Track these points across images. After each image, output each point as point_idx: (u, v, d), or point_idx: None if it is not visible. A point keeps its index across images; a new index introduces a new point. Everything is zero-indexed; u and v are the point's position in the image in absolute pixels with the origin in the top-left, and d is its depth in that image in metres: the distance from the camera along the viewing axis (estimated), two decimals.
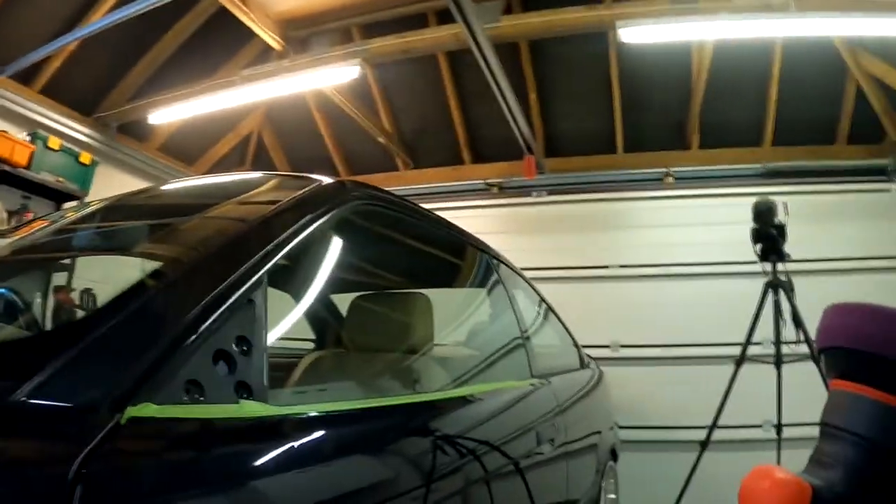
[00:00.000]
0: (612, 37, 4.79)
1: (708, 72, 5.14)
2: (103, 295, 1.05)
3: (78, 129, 5.11)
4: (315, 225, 1.25)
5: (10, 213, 4.54)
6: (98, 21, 4.12)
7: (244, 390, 0.90)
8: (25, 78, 4.67)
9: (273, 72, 4.71)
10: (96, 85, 5.17)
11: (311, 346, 2.15)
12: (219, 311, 0.90)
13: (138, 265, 1.15)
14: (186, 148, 6.07)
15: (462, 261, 2.40)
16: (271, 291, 1.04)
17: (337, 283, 1.71)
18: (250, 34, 5.05)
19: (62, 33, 4.32)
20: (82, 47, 4.67)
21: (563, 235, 5.51)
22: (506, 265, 2.66)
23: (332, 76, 4.63)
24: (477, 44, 3.95)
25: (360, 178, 5.70)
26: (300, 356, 1.47)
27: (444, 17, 4.37)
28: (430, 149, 6.07)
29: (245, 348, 0.92)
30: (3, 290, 1.36)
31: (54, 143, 4.77)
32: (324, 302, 2.01)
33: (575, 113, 5.77)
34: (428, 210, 1.97)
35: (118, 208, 1.69)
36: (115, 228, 1.58)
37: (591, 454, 2.93)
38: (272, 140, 6.53)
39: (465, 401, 1.66)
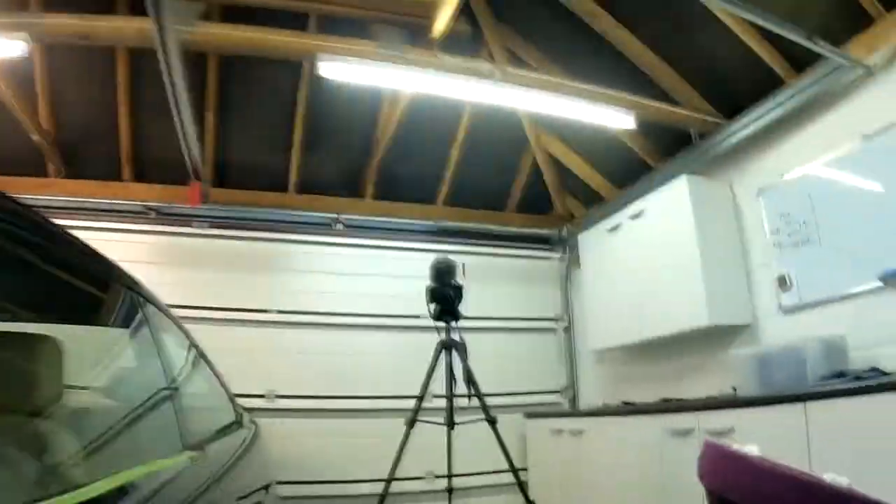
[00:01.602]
0: (307, 69, 5.11)
1: (396, 123, 5.55)
2: None
3: None
4: None
5: None
6: None
7: None
8: None
9: None
10: None
11: None
12: None
13: None
14: None
15: (98, 293, 2.03)
16: None
17: None
18: None
19: None
20: None
21: (224, 273, 5.61)
22: (156, 302, 2.40)
23: None
24: (164, 45, 3.82)
25: (6, 181, 5.44)
26: None
27: (137, 8, 4.18)
28: (88, 157, 5.82)
29: None
30: None
31: None
32: None
33: (253, 144, 5.91)
34: (61, 227, 1.70)
35: None
36: None
37: None
38: None
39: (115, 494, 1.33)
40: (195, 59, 5.01)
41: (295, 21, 4.90)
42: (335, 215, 5.98)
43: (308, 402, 5.42)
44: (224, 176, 5.93)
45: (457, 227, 6.15)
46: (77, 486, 1.26)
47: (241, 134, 5.86)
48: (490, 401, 4.61)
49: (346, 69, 4.34)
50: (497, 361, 5.67)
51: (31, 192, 5.53)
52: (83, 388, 1.94)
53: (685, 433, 3.72)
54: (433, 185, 6.27)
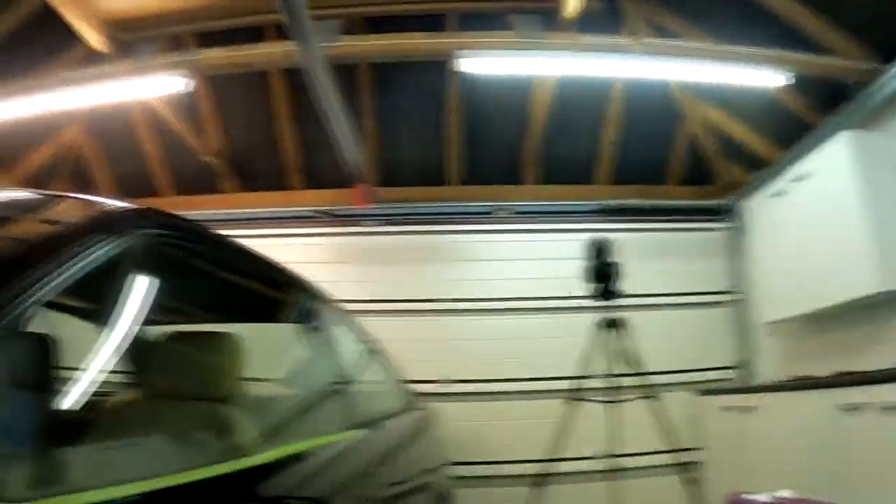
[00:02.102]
0: (453, 66, 5.11)
1: (548, 108, 5.79)
2: None
3: None
4: (88, 258, 1.18)
5: None
6: None
7: None
8: None
9: (94, 76, 5.02)
10: None
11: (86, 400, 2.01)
12: None
13: None
14: (3, 152, 6.34)
15: (275, 296, 2.41)
16: None
17: (125, 323, 1.51)
18: (75, 35, 5.27)
19: None
20: None
21: (395, 267, 6.09)
22: (326, 301, 2.70)
23: (156, 86, 4.93)
24: (311, 63, 4.25)
25: (184, 199, 6.15)
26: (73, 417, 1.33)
27: (282, 32, 4.59)
28: (259, 171, 6.54)
29: None
30: None
31: None
32: (110, 346, 1.69)
33: (412, 142, 6.35)
34: (234, 240, 2.01)
35: None
36: None
37: (421, 502, 3.04)
38: (95, 151, 6.86)
39: (275, 465, 1.64)
40: (345, 70, 5.39)
41: (434, 22, 5.30)
42: (496, 203, 6.28)
43: (478, 385, 5.77)
44: (389, 175, 6.37)
45: (616, 205, 6.26)
46: (252, 456, 1.60)
47: (401, 135, 6.32)
48: (657, 378, 4.77)
49: (486, 63, 4.61)
50: (664, 339, 5.69)
51: (212, 208, 6.29)
52: (263, 377, 2.37)
53: (859, 408, 3.56)
54: (590, 164, 6.40)
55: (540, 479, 4.87)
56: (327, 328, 2.58)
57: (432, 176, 6.45)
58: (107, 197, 1.53)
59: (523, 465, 5.34)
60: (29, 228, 1.30)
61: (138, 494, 1.07)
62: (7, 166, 6.53)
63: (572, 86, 5.58)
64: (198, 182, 6.69)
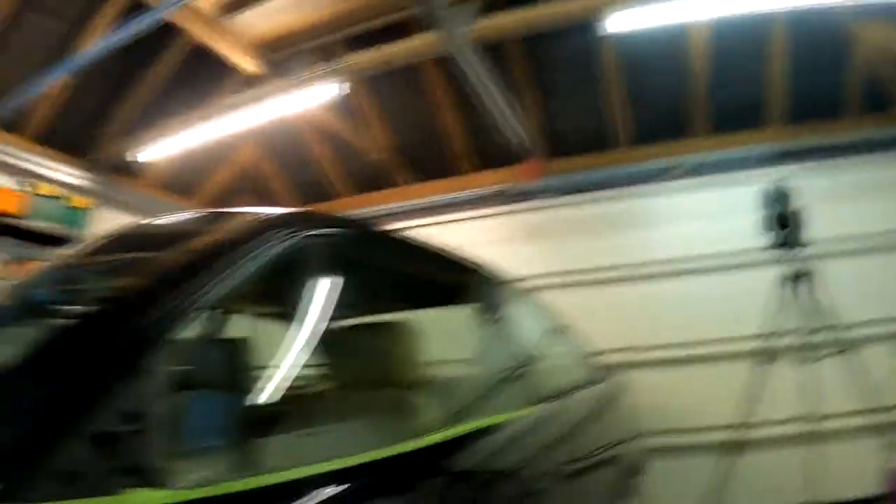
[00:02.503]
0: (602, 26, 4.94)
1: (706, 55, 5.59)
2: None
3: (70, 173, 5.95)
4: (249, 266, 1.33)
5: (6, 263, 5.25)
6: (66, 65, 4.70)
7: (133, 475, 0.90)
8: (13, 126, 5.43)
9: (256, 97, 5.33)
10: (85, 128, 6.01)
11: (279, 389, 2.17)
12: (100, 386, 0.93)
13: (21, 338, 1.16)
14: (183, 182, 6.94)
15: (448, 281, 2.50)
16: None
17: (303, 320, 1.66)
18: (230, 64, 5.75)
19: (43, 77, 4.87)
20: (67, 91, 5.40)
21: (572, 238, 6.03)
22: (501, 280, 2.77)
23: (312, 97, 5.15)
24: (458, 48, 4.36)
25: (361, 198, 6.52)
26: (265, 404, 1.49)
27: (426, 24, 4.70)
28: (429, 161, 6.69)
29: (136, 425, 0.93)
30: None
31: (46, 189, 5.59)
32: (291, 341, 1.86)
33: (574, 110, 6.29)
34: (400, 233, 2.14)
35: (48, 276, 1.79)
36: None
37: (610, 474, 3.08)
38: (270, 167, 7.41)
39: (463, 439, 1.73)
40: (495, 49, 5.41)
41: None
42: (669, 161, 6.14)
43: (663, 352, 5.57)
44: (556, 147, 6.36)
45: (793, 146, 5.93)
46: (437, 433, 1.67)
47: (562, 104, 6.29)
48: (854, 332, 4.51)
49: (632, 18, 4.39)
50: (859, 287, 5.14)
51: (388, 202, 6.59)
52: (445, 360, 2.53)
53: None
54: (759, 108, 6.08)
55: (732, 447, 4.69)
56: (505, 306, 2.64)
57: (599, 141, 6.40)
58: (284, 206, 1.70)
59: (714, 433, 5.08)
60: (201, 242, 1.42)
61: (335, 471, 1.23)
62: (191, 193, 7.09)
63: (729, 28, 5.33)
64: (371, 179, 7.00)
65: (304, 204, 7.35)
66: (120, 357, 1.00)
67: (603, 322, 5.09)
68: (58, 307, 1.35)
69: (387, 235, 2.07)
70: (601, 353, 4.26)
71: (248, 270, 1.31)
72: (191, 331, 1.13)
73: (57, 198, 5.75)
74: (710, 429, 5.13)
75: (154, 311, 1.10)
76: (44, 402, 0.89)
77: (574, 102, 6.33)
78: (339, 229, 1.78)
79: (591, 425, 2.92)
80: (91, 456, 0.88)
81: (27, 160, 5.65)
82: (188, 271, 1.25)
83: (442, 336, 2.48)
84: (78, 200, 5.91)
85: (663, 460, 4.94)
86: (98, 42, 4.49)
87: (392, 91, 6.42)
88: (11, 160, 5.56)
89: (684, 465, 5.17)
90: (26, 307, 1.56)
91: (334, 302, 1.83)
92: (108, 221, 5.91)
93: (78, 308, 1.21)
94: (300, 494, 1.11)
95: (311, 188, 7.25)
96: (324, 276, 1.68)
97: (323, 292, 1.65)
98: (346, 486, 1.22)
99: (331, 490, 1.17)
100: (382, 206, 6.66)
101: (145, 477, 0.92)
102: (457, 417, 1.94)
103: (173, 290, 1.16)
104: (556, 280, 5.66)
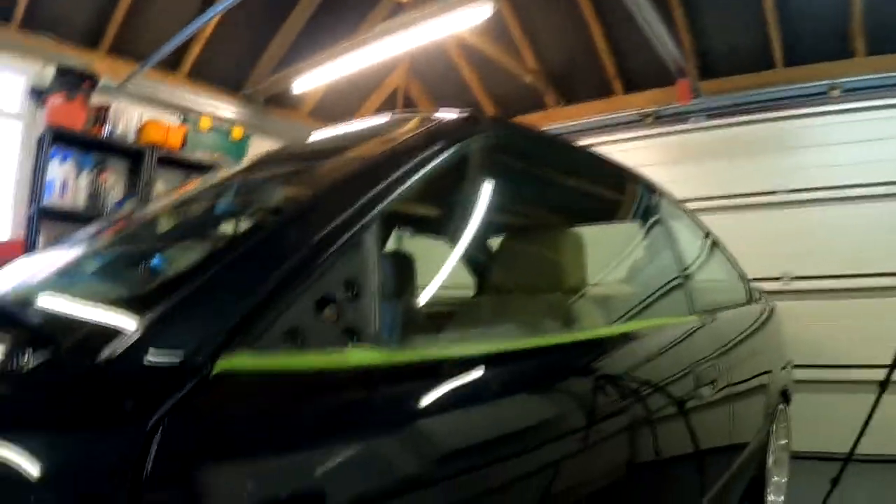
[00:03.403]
0: None
1: None
2: (207, 247, 1.29)
3: (227, 107, 6.47)
4: (436, 161, 1.40)
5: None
6: (223, 2, 4.92)
7: (352, 337, 1.05)
8: (171, 65, 5.95)
9: (405, 23, 5.46)
10: (238, 63, 6.45)
11: (447, 290, 2.23)
12: (324, 255, 1.07)
13: (249, 216, 1.40)
14: (335, 110, 7.26)
15: (613, 193, 2.58)
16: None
17: (471, 223, 1.77)
18: None
19: (194, 18, 5.30)
20: (219, 29, 5.75)
21: (725, 161, 5.92)
22: (662, 196, 2.79)
23: (461, 20, 5.20)
24: None
25: (513, 119, 6.90)
26: (440, 302, 1.66)
27: None
28: (578, 82, 6.71)
29: (353, 292, 1.07)
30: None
31: (205, 123, 6.09)
32: (459, 243, 1.97)
33: (726, 29, 6.11)
34: (573, 142, 2.21)
35: (246, 168, 2.07)
36: (235, 184, 1.89)
37: (760, 397, 3.09)
38: (419, 92, 7.68)
39: (618, 339, 1.82)
40: None
41: None
42: (828, 82, 5.83)
43: (821, 282, 5.42)
44: (708, 67, 6.25)
45: None
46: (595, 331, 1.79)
47: (714, 23, 6.13)
48: None
49: None
50: None
51: (538, 125, 6.33)
52: (605, 272, 2.53)
53: None
54: None
55: (889, 385, 4.50)
56: (665, 221, 2.68)
57: (753, 62, 6.21)
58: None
59: (869, 371, 4.79)
60: (380, 143, 1.52)
61: (492, 353, 1.34)
62: (344, 121, 7.54)
63: None
64: (520, 102, 7.09)
65: None
66: (339, 233, 1.13)
67: (754, 248, 5.01)
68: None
69: (555, 140, 2.09)
70: (752, 279, 4.23)
71: (421, 174, 1.37)
72: (365, 238, 1.18)
73: (216, 130, 6.26)
74: (862, 366, 5.02)
75: (360, 197, 1.22)
76: (273, 275, 1.01)
77: (727, 21, 6.15)
78: (515, 134, 1.81)
79: (744, 345, 2.92)
80: (315, 318, 1.02)
81: (186, 97, 6.24)
82: (378, 165, 1.36)
83: (604, 245, 2.52)
84: (236, 131, 6.39)
85: (811, 394, 4.89)
86: None
87: (541, 11, 6.45)
88: (172, 98, 6.15)
89: (836, 401, 5.11)
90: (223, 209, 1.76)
91: (501, 207, 1.97)
92: (264, 150, 6.55)
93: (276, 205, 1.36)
94: (484, 366, 1.25)
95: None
96: (492, 181, 1.75)
97: (490, 197, 1.73)
98: (521, 363, 1.39)
99: (506, 367, 1.34)
100: None
101: (361, 339, 1.07)
102: (613, 323, 2.07)
103: (349, 195, 1.24)
104: (707, 204, 5.59)
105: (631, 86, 6.62)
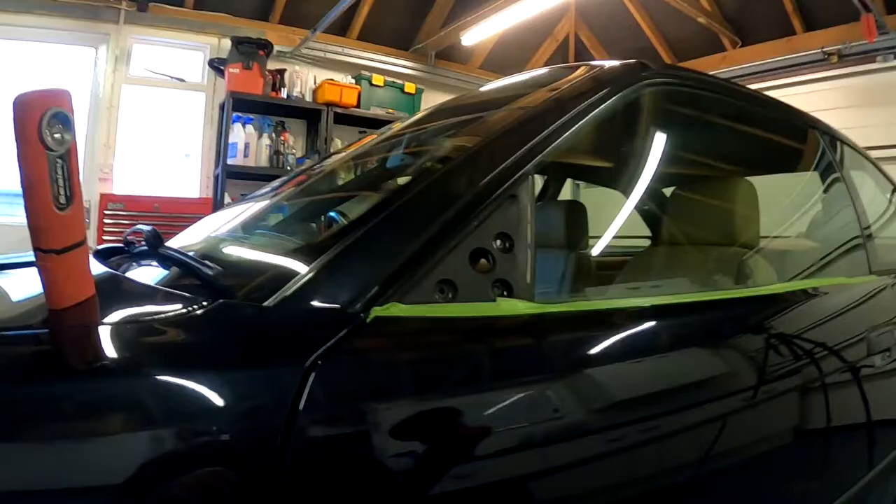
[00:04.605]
0: None
1: None
2: (365, 202, 1.38)
3: (398, 63, 6.87)
4: (600, 109, 1.42)
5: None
6: None
7: (504, 288, 1.11)
8: (341, 29, 6.38)
9: None
10: (406, 21, 6.81)
11: (619, 241, 2.35)
12: (477, 209, 1.13)
13: (410, 170, 1.50)
14: (506, 62, 7.48)
15: (790, 142, 2.50)
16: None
17: (642, 173, 1.83)
18: None
19: None
20: None
21: None
22: (844, 145, 2.67)
23: None
24: None
25: (687, 64, 6.67)
26: (610, 254, 1.74)
27: None
28: (755, 22, 6.49)
29: (506, 245, 1.13)
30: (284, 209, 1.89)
31: (378, 80, 6.45)
32: (630, 194, 2.03)
33: None
34: (744, 86, 2.15)
35: (414, 123, 2.14)
36: (402, 139, 1.98)
37: None
38: (590, 38, 7.72)
39: (790, 297, 1.81)
40: None
41: None
42: None
43: None
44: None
45: None
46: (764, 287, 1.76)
47: None
48: None
49: None
50: None
51: (715, 69, 6.47)
52: (781, 224, 2.52)
53: None
54: None
55: None
56: (847, 173, 2.54)
57: None
58: None
59: None
60: (541, 95, 1.52)
61: (652, 307, 1.39)
62: (515, 71, 7.84)
63: None
64: (696, 46, 7.03)
65: None
66: (492, 187, 1.18)
67: None
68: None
69: (728, 86, 2.03)
70: None
71: (590, 123, 1.40)
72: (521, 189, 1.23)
73: (389, 86, 6.62)
74: None
75: (513, 150, 1.27)
76: (429, 227, 1.10)
77: None
78: (677, 78, 1.78)
79: None
80: (468, 270, 1.09)
81: (358, 56, 6.68)
82: (550, 112, 1.39)
83: (780, 197, 2.54)
84: (409, 86, 6.74)
85: None
86: None
87: None
88: (345, 58, 6.62)
89: None
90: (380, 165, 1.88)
91: (672, 157, 1.99)
92: (437, 103, 6.91)
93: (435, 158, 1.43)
94: (637, 320, 1.32)
95: (634, 56, 7.43)
96: (662, 129, 1.79)
97: (661, 146, 1.76)
98: (682, 317, 1.43)
99: (664, 320, 1.37)
100: (707, 71, 6.74)
101: (514, 291, 1.13)
102: (786, 277, 2.06)
103: (535, 126, 1.33)
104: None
105: (811, 23, 6.30)
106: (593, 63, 1.66)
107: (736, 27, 6.71)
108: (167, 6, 5.97)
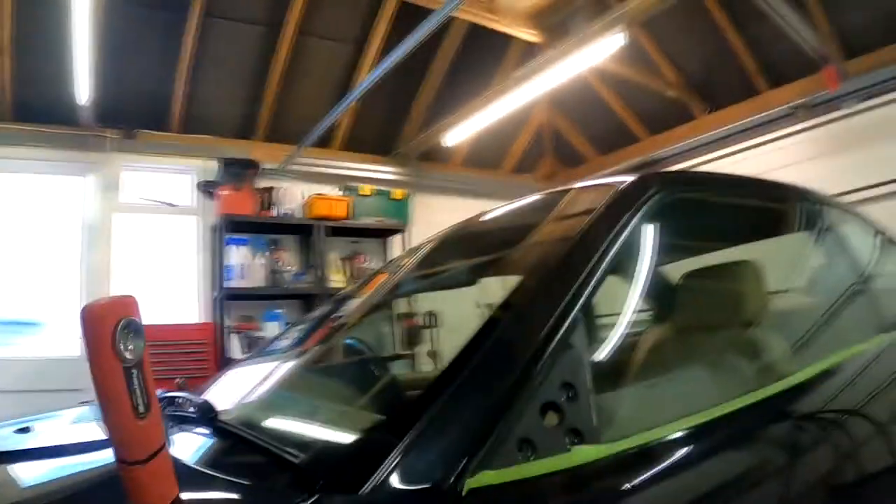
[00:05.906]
0: None
1: None
2: (427, 372, 1.51)
3: (383, 171, 7.11)
4: (621, 238, 1.50)
5: (344, 259, 6.57)
6: (366, 79, 5.45)
7: (575, 436, 1.16)
8: (324, 141, 6.59)
9: (541, 66, 5.78)
10: (386, 128, 7.14)
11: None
12: (540, 363, 1.17)
13: (463, 327, 1.46)
14: (486, 156, 7.91)
15: (775, 210, 2.54)
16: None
17: (656, 287, 1.95)
18: (509, 38, 6.36)
19: (340, 95, 5.96)
20: (363, 101, 6.27)
21: (886, 145, 5.67)
22: (826, 200, 2.73)
23: (596, 51, 5.42)
24: None
25: (660, 137, 7.13)
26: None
27: None
28: (721, 87, 6.80)
29: (571, 394, 1.18)
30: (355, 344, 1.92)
31: (365, 189, 6.67)
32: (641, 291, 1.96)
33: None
34: (733, 176, 2.28)
35: (434, 255, 2.21)
36: (425, 283, 2.04)
37: None
38: (564, 124, 8.12)
39: (818, 378, 1.83)
40: None
41: None
42: None
43: None
44: (852, 45, 6.03)
45: None
46: (783, 377, 1.75)
47: None
48: None
49: None
50: None
51: (687, 137, 6.93)
52: (780, 293, 2.48)
53: None
54: None
55: None
56: (833, 228, 2.61)
57: None
58: (585, 159, 1.88)
59: None
60: (572, 227, 1.58)
61: (690, 428, 1.36)
62: (496, 164, 8.04)
63: None
64: (667, 117, 7.32)
65: (603, 153, 8.03)
66: (550, 339, 1.21)
67: None
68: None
69: (727, 179, 2.16)
70: None
71: (620, 250, 1.46)
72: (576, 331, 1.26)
73: (378, 194, 6.84)
74: None
75: (563, 297, 1.30)
76: (499, 390, 1.13)
77: None
78: (691, 184, 1.91)
79: None
80: (540, 425, 1.13)
81: (344, 167, 6.92)
82: (587, 248, 1.45)
83: (776, 268, 2.45)
84: (397, 193, 6.95)
85: None
86: (386, 57, 5.20)
87: (673, 26, 6.63)
88: (330, 170, 6.87)
89: None
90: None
91: (685, 251, 2.15)
92: (427, 206, 7.11)
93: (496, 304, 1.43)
94: (699, 437, 1.35)
95: (610, 135, 7.82)
96: (671, 229, 1.83)
97: (679, 244, 1.87)
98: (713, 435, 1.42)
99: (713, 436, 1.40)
100: (680, 144, 7.04)
101: (583, 436, 1.16)
102: (803, 357, 2.03)
103: (577, 265, 1.38)
104: (872, 193, 5.50)
105: (775, 80, 6.59)
106: (601, 183, 1.75)
107: (703, 94, 7.04)
108: (154, 132, 6.24)
